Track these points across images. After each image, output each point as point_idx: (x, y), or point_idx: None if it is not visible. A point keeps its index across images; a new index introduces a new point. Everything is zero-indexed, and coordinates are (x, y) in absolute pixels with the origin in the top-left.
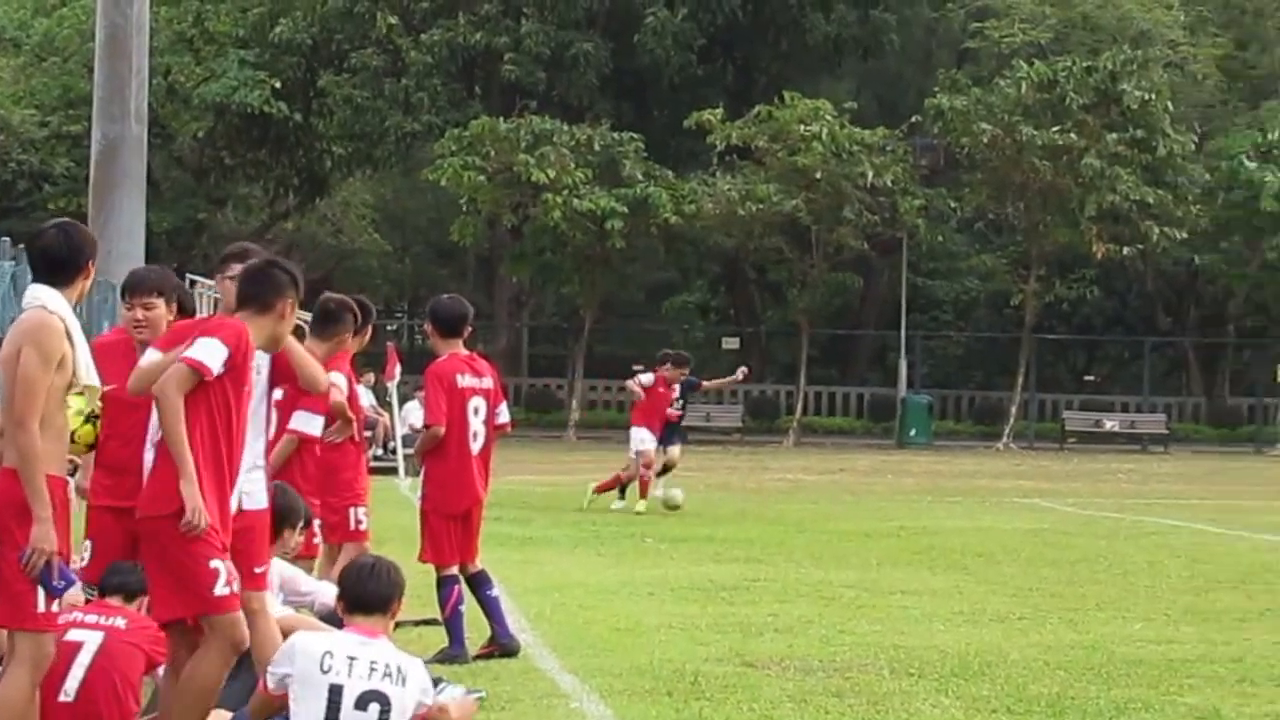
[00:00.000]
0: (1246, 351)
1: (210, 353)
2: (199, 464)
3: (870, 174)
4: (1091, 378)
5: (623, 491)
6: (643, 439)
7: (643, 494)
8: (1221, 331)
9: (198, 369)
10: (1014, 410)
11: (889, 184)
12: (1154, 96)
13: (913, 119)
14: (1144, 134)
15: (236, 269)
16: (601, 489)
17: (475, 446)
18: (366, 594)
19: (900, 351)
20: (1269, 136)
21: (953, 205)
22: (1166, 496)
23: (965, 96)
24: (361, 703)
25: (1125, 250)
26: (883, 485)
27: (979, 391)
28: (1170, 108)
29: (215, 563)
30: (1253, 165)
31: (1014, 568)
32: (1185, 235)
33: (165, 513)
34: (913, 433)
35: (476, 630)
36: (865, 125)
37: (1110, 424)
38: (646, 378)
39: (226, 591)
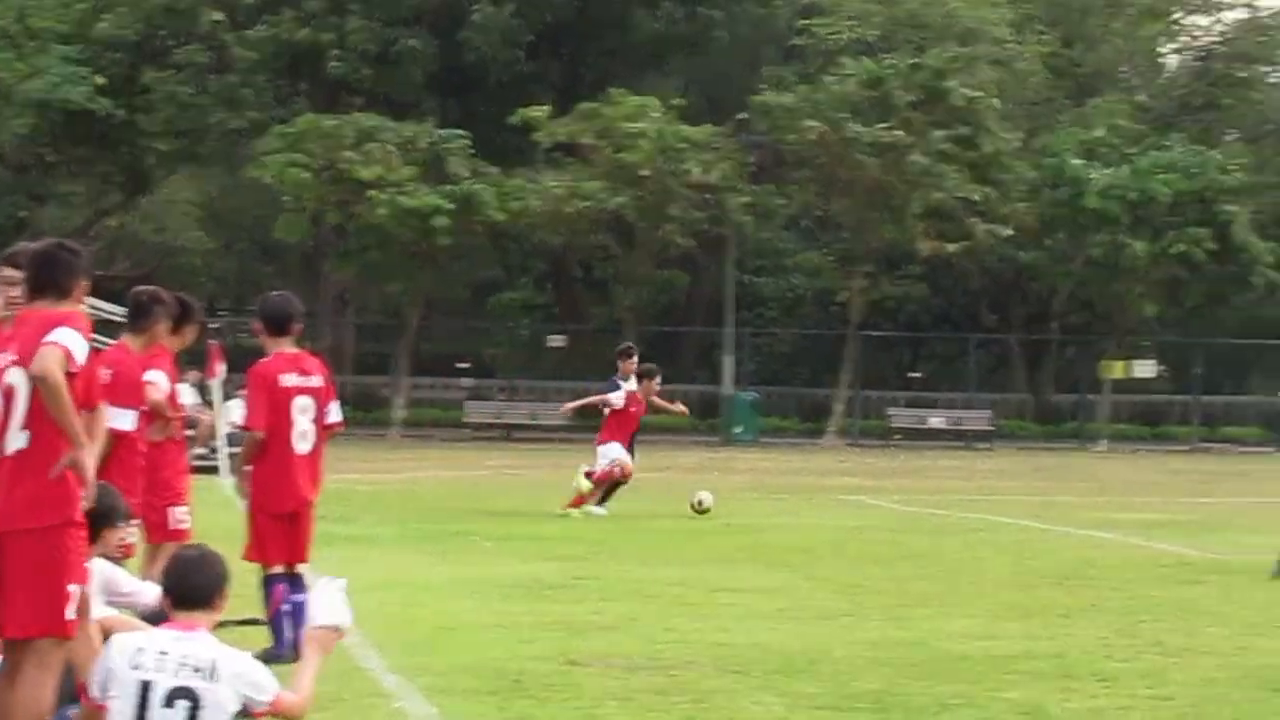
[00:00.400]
0: (1070, 348)
1: (75, 343)
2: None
3: (697, 171)
4: (917, 375)
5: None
6: (609, 453)
7: (603, 498)
8: (1046, 328)
9: (68, 357)
10: (840, 407)
11: (716, 181)
12: (980, 94)
13: (740, 116)
14: (970, 131)
15: (10, 273)
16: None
17: (303, 447)
18: (192, 586)
19: (726, 349)
20: (1094, 134)
21: (779, 202)
22: (991, 493)
23: (792, 93)
24: (169, 700)
25: (951, 247)
26: (708, 482)
27: (805, 389)
28: (996, 105)
29: (74, 587)
30: (1077, 163)
31: (839, 565)
32: (1010, 232)
33: (38, 525)
34: (739, 430)
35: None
36: (692, 122)
37: (935, 421)
38: (618, 397)
39: (74, 617)
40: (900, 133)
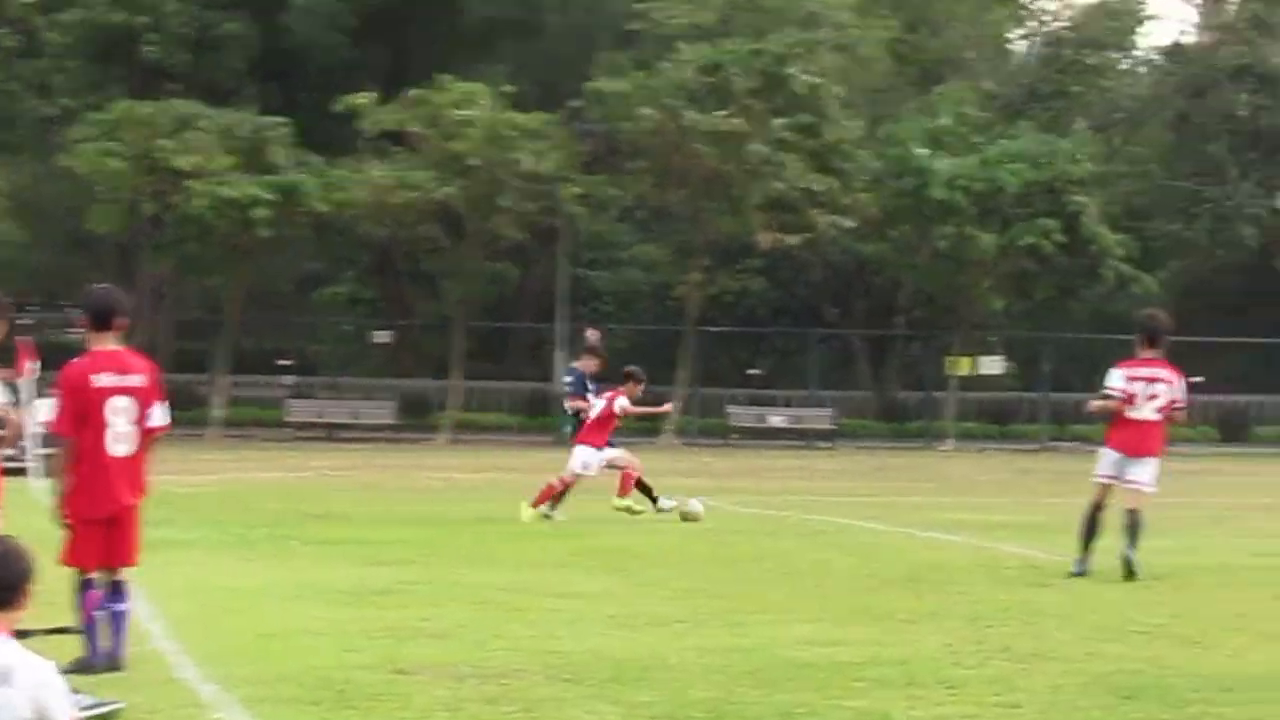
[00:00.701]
0: (915, 344)
1: None
2: None
3: (528, 160)
4: (756, 372)
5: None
6: (586, 460)
7: (550, 501)
8: (890, 323)
9: None
10: (677, 405)
11: (548, 171)
12: (822, 80)
13: (572, 104)
14: (811, 119)
15: None
16: (540, 501)
17: (121, 449)
18: None
19: (559, 345)
20: (939, 122)
21: (614, 193)
22: (833, 494)
23: (627, 80)
24: None
25: (792, 239)
26: (541, 484)
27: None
28: (839, 92)
29: None
30: (923, 152)
31: (674, 569)
32: (853, 224)
33: None
34: (571, 429)
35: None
36: (523, 110)
37: (776, 419)
38: (622, 402)
39: None
40: (739, 121)
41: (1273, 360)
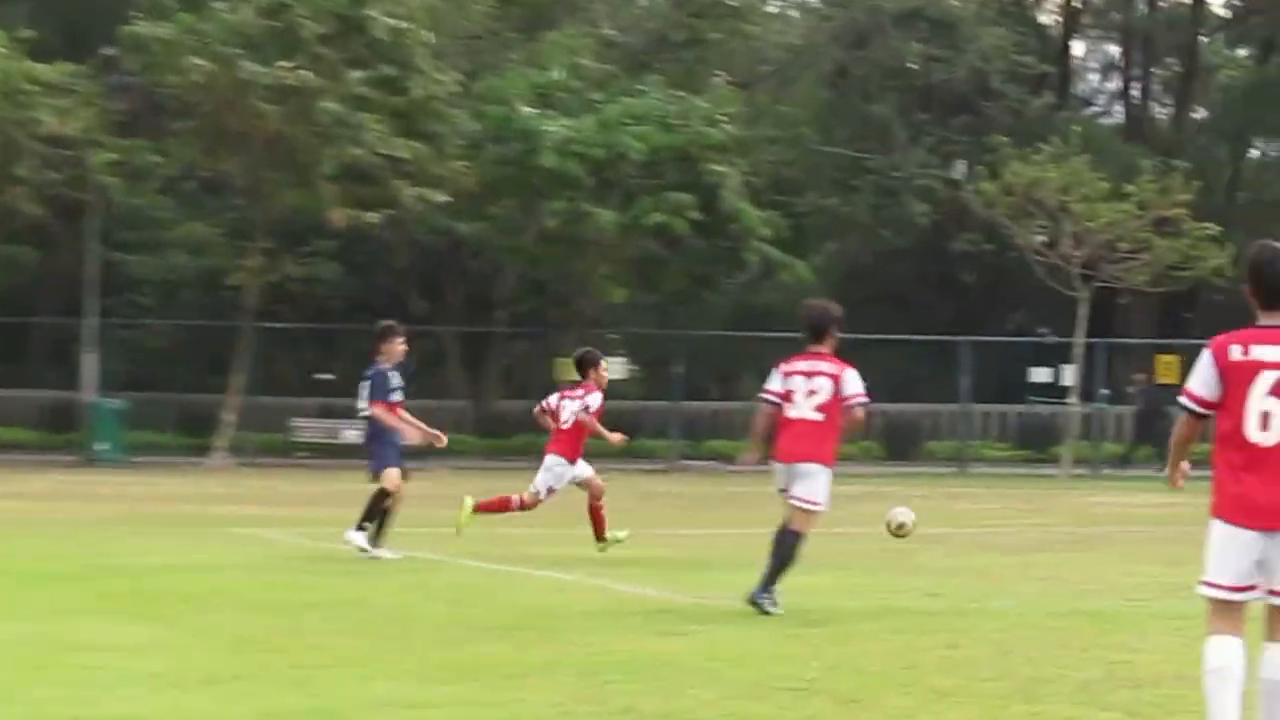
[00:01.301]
0: (520, 343)
1: None
2: None
3: (50, 121)
4: (328, 376)
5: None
6: (560, 475)
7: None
8: (490, 318)
9: None
10: (230, 418)
11: (74, 133)
12: (409, 25)
13: (105, 52)
14: (396, 72)
15: None
16: (602, 533)
17: None
18: None
19: (87, 344)
20: (549, 76)
21: (155, 160)
22: (422, 524)
23: (172, 24)
24: None
25: (371, 217)
26: (64, 513)
27: (187, 394)
28: (429, 39)
29: None
30: (529, 111)
31: (229, 615)
32: (446, 198)
33: None
34: (103, 446)
35: None
36: (45, 59)
37: (351, 435)
38: (595, 399)
39: None
40: (308, 74)
41: (948, 361)
